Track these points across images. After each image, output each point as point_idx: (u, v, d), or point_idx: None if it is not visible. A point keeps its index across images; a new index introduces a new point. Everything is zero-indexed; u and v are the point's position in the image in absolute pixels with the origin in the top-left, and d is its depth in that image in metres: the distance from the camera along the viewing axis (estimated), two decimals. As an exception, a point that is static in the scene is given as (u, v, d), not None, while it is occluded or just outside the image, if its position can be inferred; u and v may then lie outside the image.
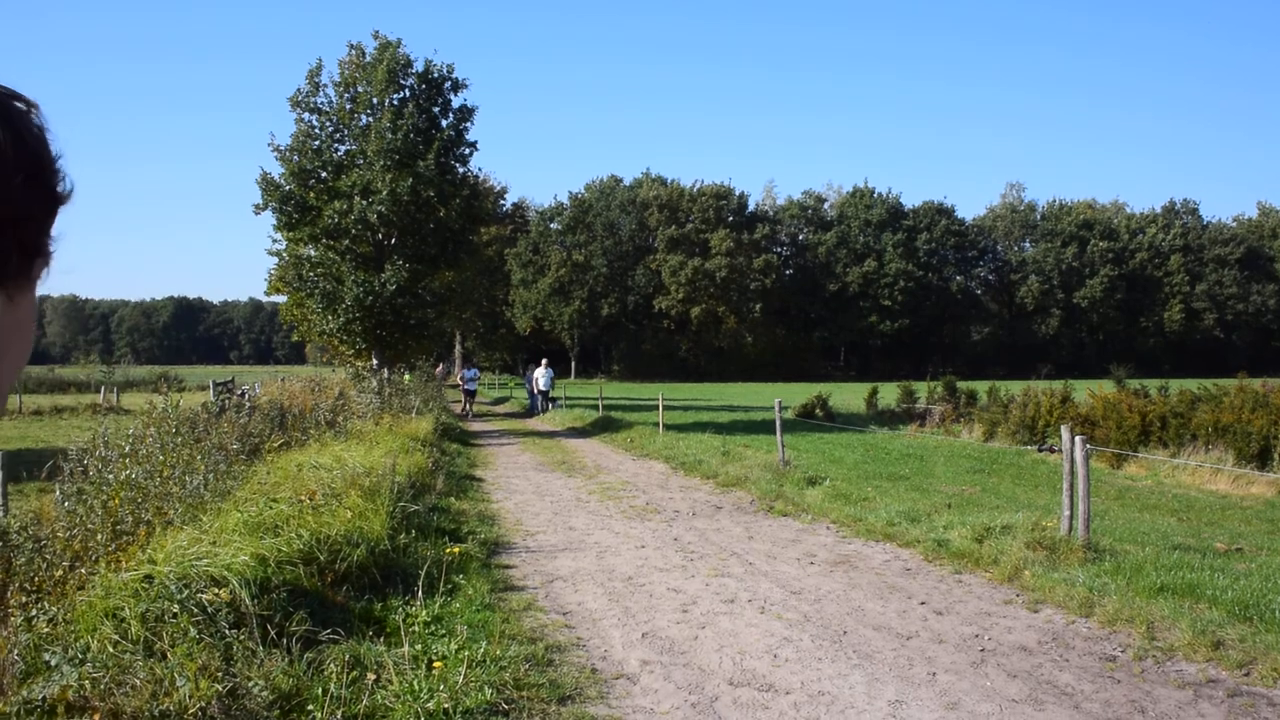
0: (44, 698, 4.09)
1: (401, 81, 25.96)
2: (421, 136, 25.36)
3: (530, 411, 33.90)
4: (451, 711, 4.78)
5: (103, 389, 40.97)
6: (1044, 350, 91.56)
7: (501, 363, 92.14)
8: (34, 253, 0.87)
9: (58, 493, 8.22)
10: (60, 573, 6.16)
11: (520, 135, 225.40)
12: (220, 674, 4.56)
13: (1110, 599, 6.90)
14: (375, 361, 26.99)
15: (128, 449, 8.62)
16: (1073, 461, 8.67)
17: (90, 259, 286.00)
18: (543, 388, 32.89)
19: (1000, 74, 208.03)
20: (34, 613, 5.27)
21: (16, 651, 4.68)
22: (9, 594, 5.94)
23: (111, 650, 4.73)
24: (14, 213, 0.83)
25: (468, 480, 14.76)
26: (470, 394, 34.33)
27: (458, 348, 75.39)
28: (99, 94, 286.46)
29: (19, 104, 0.85)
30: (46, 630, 5.04)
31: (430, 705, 4.79)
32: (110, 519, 7.21)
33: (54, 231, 0.88)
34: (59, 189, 0.88)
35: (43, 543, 6.74)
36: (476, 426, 27.70)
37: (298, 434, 14.08)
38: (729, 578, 8.15)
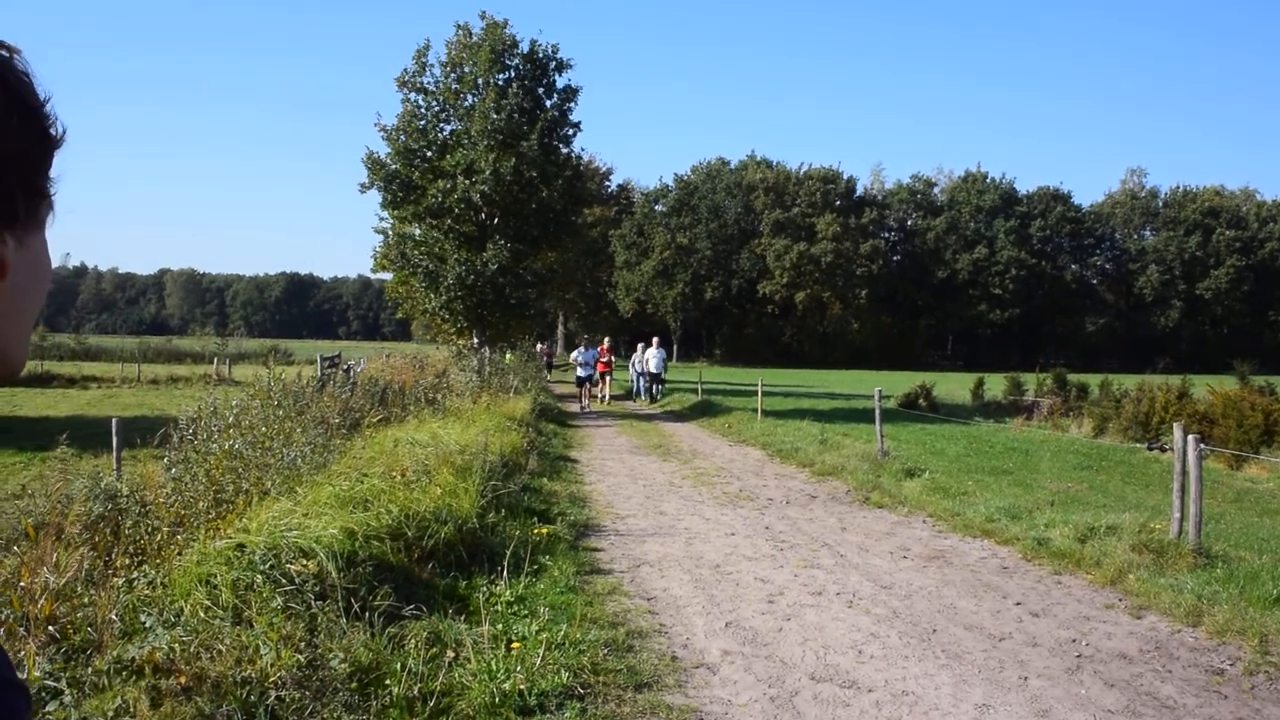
0: (134, 658, 4.23)
1: (506, 62, 26.20)
2: (525, 117, 25.58)
3: (633, 394, 31.07)
4: (527, 693, 4.80)
5: (215, 360, 42.50)
6: (1162, 343, 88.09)
7: (593, 344, 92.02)
8: (37, 195, 0.91)
9: (166, 459, 8.53)
10: (161, 538, 6.39)
11: (627, 117, 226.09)
12: (303, 644, 4.66)
13: (1221, 608, 6.58)
14: (476, 340, 27.40)
15: (231, 419, 8.90)
16: (1184, 461, 8.29)
17: (209, 235, 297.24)
18: (653, 369, 29.89)
19: (1122, 55, 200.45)
20: (135, 575, 5.47)
21: (116, 612, 4.86)
22: (115, 555, 6.17)
23: (203, 615, 4.88)
24: (15, 152, 0.87)
25: (562, 461, 14.86)
26: (585, 382, 27.20)
27: (560, 328, 76.15)
28: (213, 86, 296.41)
29: (2, 51, 0.88)
30: (146, 593, 5.22)
31: (506, 686, 4.81)
32: (212, 487, 7.45)
33: (53, 174, 0.92)
34: (52, 131, 0.91)
35: (148, 507, 7.01)
36: (575, 407, 27.89)
37: (398, 410, 14.38)
38: (818, 569, 8.04)
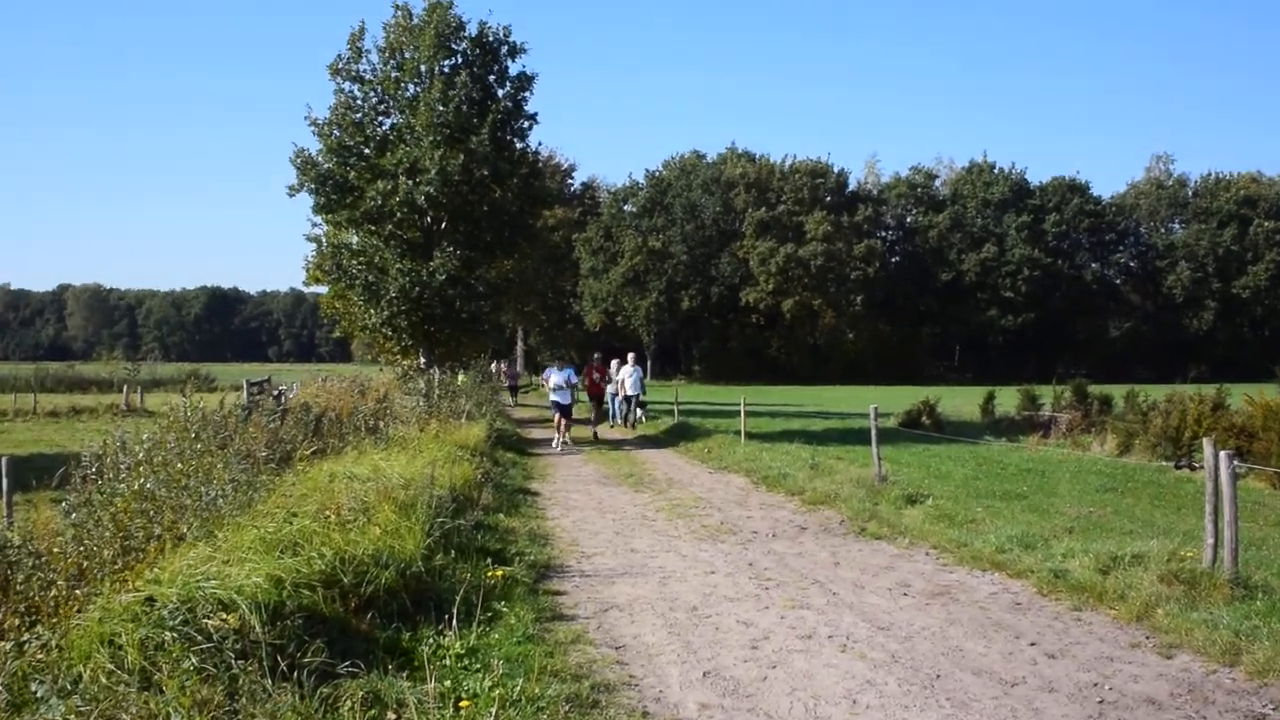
0: (20, 734, 4.17)
1: (453, 46, 26.28)
2: (475, 108, 25.64)
3: (609, 419, 30.06)
4: (477, 758, 4.77)
5: (125, 388, 42.20)
6: (1195, 349, 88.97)
7: (569, 362, 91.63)
8: None
9: (65, 503, 8.44)
10: (57, 593, 6.31)
11: (590, 108, 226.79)
12: (221, 710, 4.62)
13: (1261, 645, 6.62)
14: (423, 360, 27.33)
15: (142, 455, 8.82)
16: (1217, 480, 8.36)
17: (115, 245, 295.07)
18: (630, 391, 29.18)
19: (1143, 28, 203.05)
20: (26, 638, 5.39)
21: (2, 680, 4.79)
22: (4, 616, 6.08)
23: (105, 681, 4.81)
24: None
25: (520, 494, 14.88)
26: (564, 412, 23.38)
27: (519, 344, 76.04)
28: (131, 57, 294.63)
29: None
30: (39, 658, 5.15)
31: (453, 750, 4.78)
32: (119, 533, 7.37)
33: None
34: None
35: (43, 559, 6.91)
36: (537, 434, 27.83)
37: (335, 440, 14.30)
38: (808, 610, 8.06)
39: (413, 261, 25.44)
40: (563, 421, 23.15)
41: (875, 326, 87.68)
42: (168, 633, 5.13)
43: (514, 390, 45.40)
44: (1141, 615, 7.65)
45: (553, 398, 23.72)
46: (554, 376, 23.94)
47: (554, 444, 22.84)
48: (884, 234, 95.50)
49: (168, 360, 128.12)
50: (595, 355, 29.74)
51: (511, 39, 27.01)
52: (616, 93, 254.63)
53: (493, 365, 45.29)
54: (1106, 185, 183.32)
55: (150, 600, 5.48)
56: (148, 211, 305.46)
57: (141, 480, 8.35)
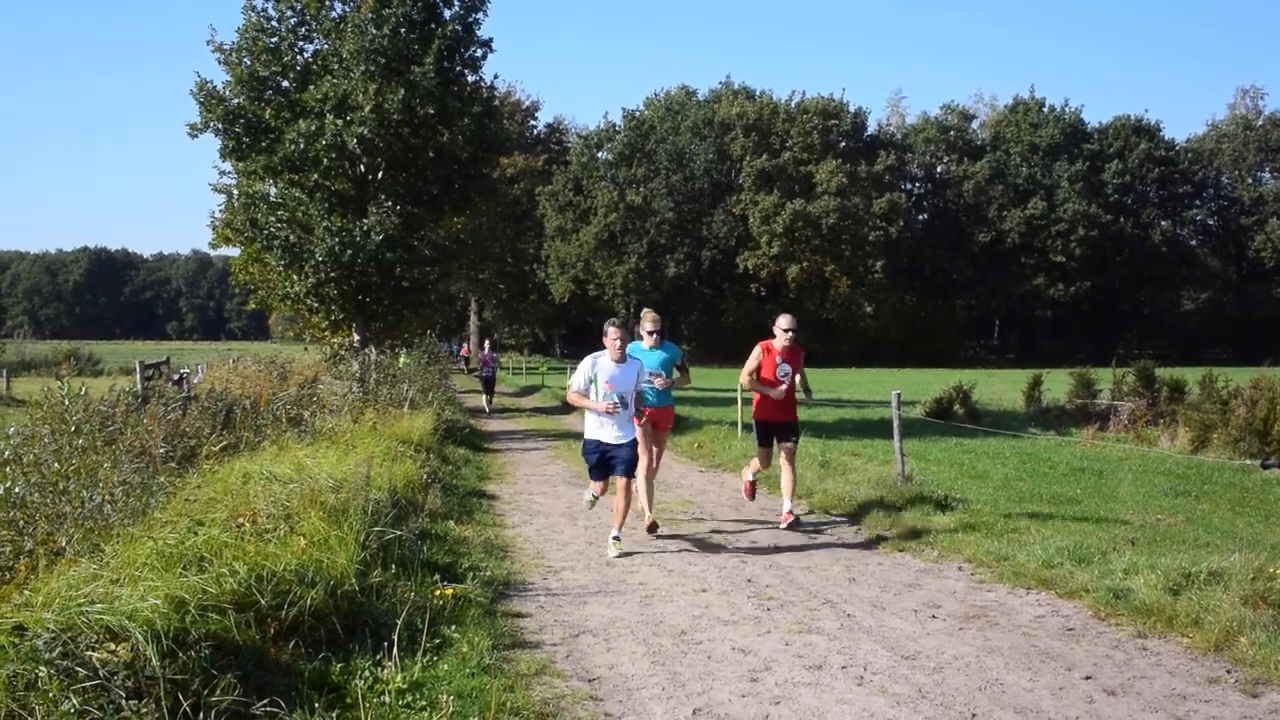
0: None
1: (389, -44, 26.04)
2: (416, 31, 25.48)
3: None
4: (421, 815, 4.76)
5: (-15, 372, 41.98)
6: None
7: (532, 340, 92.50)
8: None
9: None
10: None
11: (557, 33, 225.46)
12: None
13: (1368, 681, 6.68)
14: (357, 337, 27.24)
15: (9, 454, 8.76)
16: (1306, 480, 8.41)
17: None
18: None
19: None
20: None
21: None
22: None
23: (-37, 729, 4.79)
24: None
25: (475, 498, 14.94)
26: (623, 464, 11.47)
27: (473, 319, 75.99)
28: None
29: None
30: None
31: (392, 806, 4.78)
32: (-21, 549, 7.34)
33: None
34: None
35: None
36: (494, 426, 27.81)
37: (249, 433, 14.29)
38: (818, 634, 8.08)
39: (343, 218, 25.31)
40: (627, 484, 11.57)
41: (899, 298, 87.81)
42: (42, 668, 5.09)
43: (489, 384, 35.63)
44: (1221, 644, 7.67)
45: (589, 434, 11.85)
46: (606, 367, 11.51)
47: (610, 548, 11.32)
48: (910, 186, 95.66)
49: (41, 338, 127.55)
50: (781, 320, 14.47)
51: (460, -53, 26.85)
52: (587, 14, 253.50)
53: (452, 346, 44.20)
54: (1181, 127, 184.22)
55: (20, 629, 5.43)
56: (14, 156, 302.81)
57: (9, 484, 8.30)
